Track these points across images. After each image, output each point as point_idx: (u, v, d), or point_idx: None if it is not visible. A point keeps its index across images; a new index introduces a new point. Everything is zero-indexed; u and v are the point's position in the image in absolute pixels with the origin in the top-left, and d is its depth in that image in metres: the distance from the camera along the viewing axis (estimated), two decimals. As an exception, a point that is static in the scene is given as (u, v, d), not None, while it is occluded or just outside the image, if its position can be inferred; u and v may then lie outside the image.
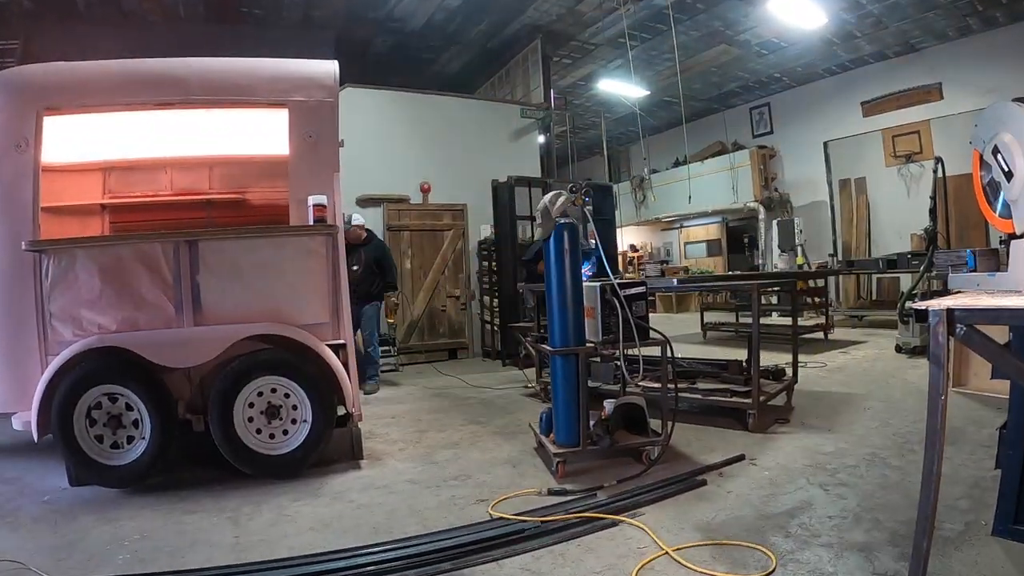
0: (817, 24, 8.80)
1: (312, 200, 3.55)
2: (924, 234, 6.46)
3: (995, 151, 1.92)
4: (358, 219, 6.00)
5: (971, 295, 1.91)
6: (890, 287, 10.11)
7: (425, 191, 8.45)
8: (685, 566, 2.13)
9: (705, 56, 10.38)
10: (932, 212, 6.20)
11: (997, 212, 2.03)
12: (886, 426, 3.78)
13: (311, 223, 3.55)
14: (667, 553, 2.21)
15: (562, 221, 3.21)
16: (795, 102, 12.17)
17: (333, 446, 3.56)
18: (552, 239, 3.22)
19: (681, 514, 2.59)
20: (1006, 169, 1.88)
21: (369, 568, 2.21)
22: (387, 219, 8.12)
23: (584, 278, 3.36)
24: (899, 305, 6.33)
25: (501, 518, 2.59)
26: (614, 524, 2.49)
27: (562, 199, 3.20)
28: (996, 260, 2.15)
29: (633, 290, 3.28)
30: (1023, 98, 1.91)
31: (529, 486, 3.00)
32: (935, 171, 6.09)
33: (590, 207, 3.36)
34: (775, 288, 8.15)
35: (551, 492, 2.89)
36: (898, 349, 6.38)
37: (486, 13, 8.82)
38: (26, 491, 3.20)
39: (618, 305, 3.17)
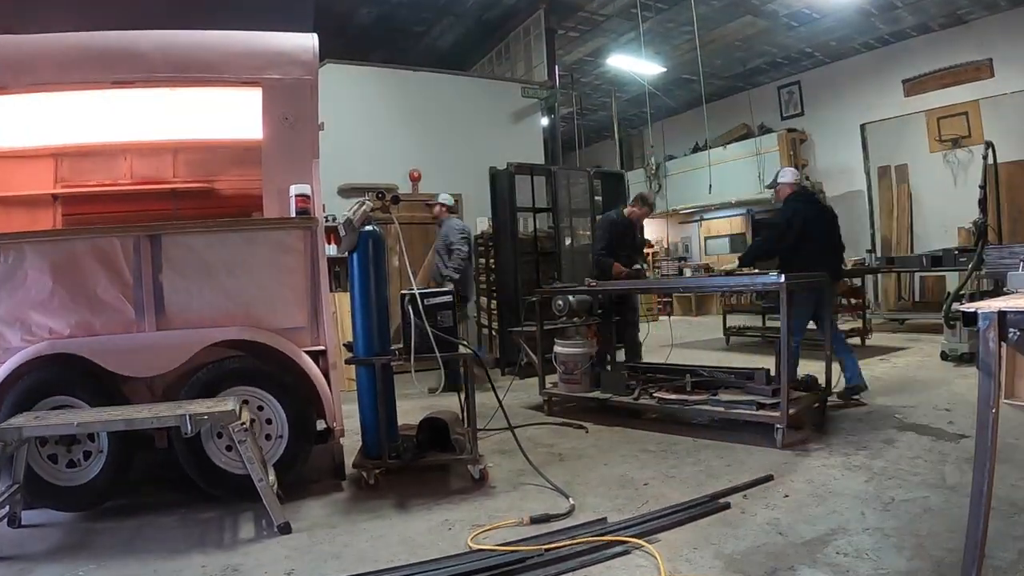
0: (853, -7, 8.79)
1: (295, 190, 3.56)
2: (973, 228, 6.46)
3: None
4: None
5: (1026, 296, 1.91)
6: (935, 287, 10.11)
7: (415, 179, 8.45)
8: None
9: (728, 29, 10.38)
10: (982, 203, 6.20)
11: None
12: (931, 442, 3.78)
13: (293, 215, 3.55)
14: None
15: (366, 230, 3.49)
16: (829, 80, 12.17)
17: (312, 465, 3.56)
18: (358, 250, 3.49)
19: (701, 541, 2.59)
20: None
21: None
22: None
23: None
24: (945, 307, 6.31)
25: (500, 547, 2.60)
26: (626, 552, 2.49)
27: (363, 208, 3.48)
28: None
29: (438, 299, 3.63)
30: None
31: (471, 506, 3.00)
32: (984, 157, 6.09)
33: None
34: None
35: (533, 520, 2.86)
36: (944, 356, 6.37)
37: (482, -19, 8.82)
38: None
39: (412, 315, 3.52)
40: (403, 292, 3.63)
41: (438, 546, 2.67)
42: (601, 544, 2.55)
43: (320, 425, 3.56)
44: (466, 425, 3.70)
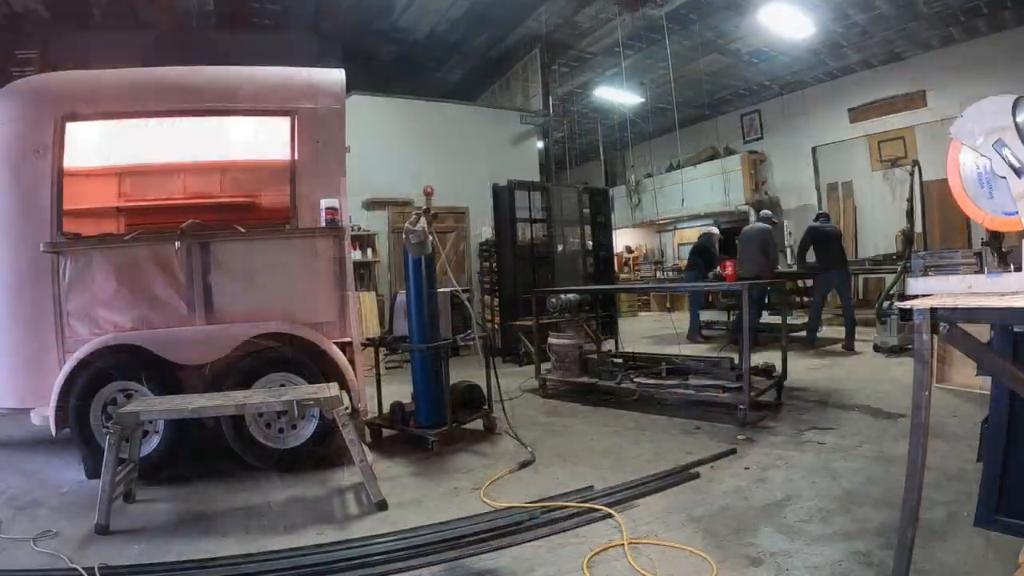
0: (805, 34, 8.78)
1: (325, 203, 3.56)
2: (901, 235, 6.51)
3: (999, 144, 1.81)
4: None
5: (955, 295, 1.90)
6: (876, 287, 10.10)
7: (428, 194, 8.45)
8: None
9: (698, 64, 10.37)
10: (909, 214, 6.23)
11: (992, 211, 1.90)
12: (872, 421, 3.78)
13: (323, 225, 3.55)
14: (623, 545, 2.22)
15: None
16: (784, 109, 12.15)
17: (338, 441, 3.55)
18: (420, 257, 3.62)
19: (675, 506, 2.59)
20: (1017, 164, 1.76)
21: (377, 556, 2.21)
22: (392, 222, 8.12)
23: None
24: (877, 305, 6.29)
25: (511, 507, 2.60)
26: (609, 516, 2.49)
27: (421, 221, 3.59)
28: (980, 261, 2.11)
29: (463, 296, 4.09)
30: None
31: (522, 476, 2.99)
32: (911, 174, 6.11)
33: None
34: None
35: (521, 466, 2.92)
36: (876, 348, 6.28)
37: (487, 24, 8.81)
38: (45, 484, 3.19)
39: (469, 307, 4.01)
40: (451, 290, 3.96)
41: (447, 508, 2.67)
42: (584, 509, 2.55)
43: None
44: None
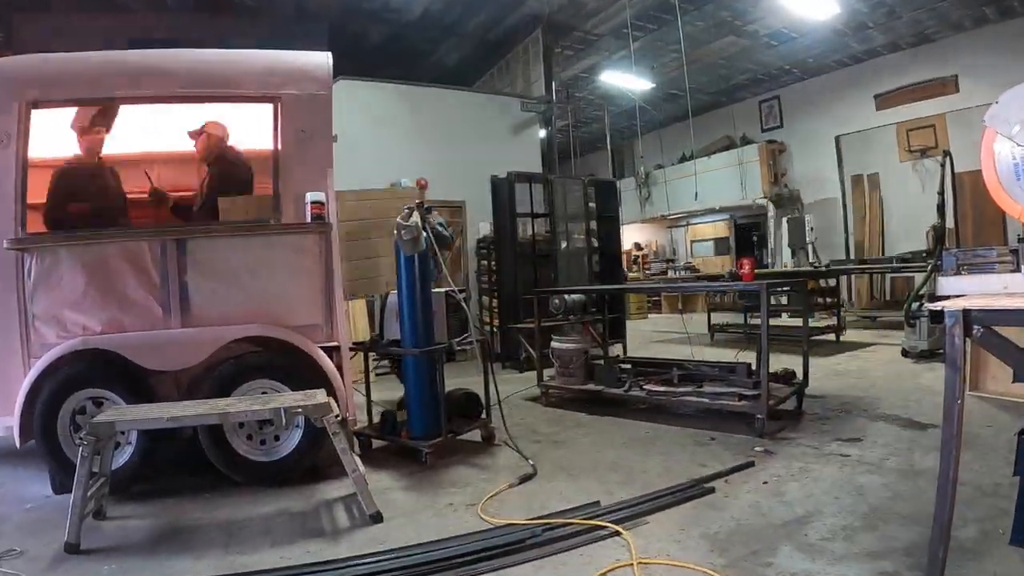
0: (828, 14, 8.80)
1: (310, 197, 3.55)
2: (931, 231, 6.48)
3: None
4: None
5: (989, 296, 1.90)
6: (904, 287, 10.10)
7: (422, 187, 8.44)
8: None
9: (712, 47, 10.37)
10: (940, 208, 6.20)
11: None
12: (900, 431, 3.77)
13: (308, 220, 3.55)
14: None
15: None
16: (806, 95, 12.16)
17: (326, 452, 3.55)
18: (413, 255, 3.56)
19: (688, 522, 2.58)
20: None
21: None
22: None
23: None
24: (905, 306, 6.27)
25: (510, 524, 2.59)
26: (617, 534, 2.48)
27: (414, 215, 3.53)
28: (1017, 259, 2.11)
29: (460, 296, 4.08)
30: None
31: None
32: (943, 165, 6.09)
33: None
34: (784, 288, 8.16)
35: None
36: (904, 353, 6.25)
37: (485, 3, 8.82)
38: (8, 498, 3.19)
39: (466, 308, 4.01)
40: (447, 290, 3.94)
41: (441, 525, 2.66)
42: (590, 527, 2.53)
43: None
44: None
